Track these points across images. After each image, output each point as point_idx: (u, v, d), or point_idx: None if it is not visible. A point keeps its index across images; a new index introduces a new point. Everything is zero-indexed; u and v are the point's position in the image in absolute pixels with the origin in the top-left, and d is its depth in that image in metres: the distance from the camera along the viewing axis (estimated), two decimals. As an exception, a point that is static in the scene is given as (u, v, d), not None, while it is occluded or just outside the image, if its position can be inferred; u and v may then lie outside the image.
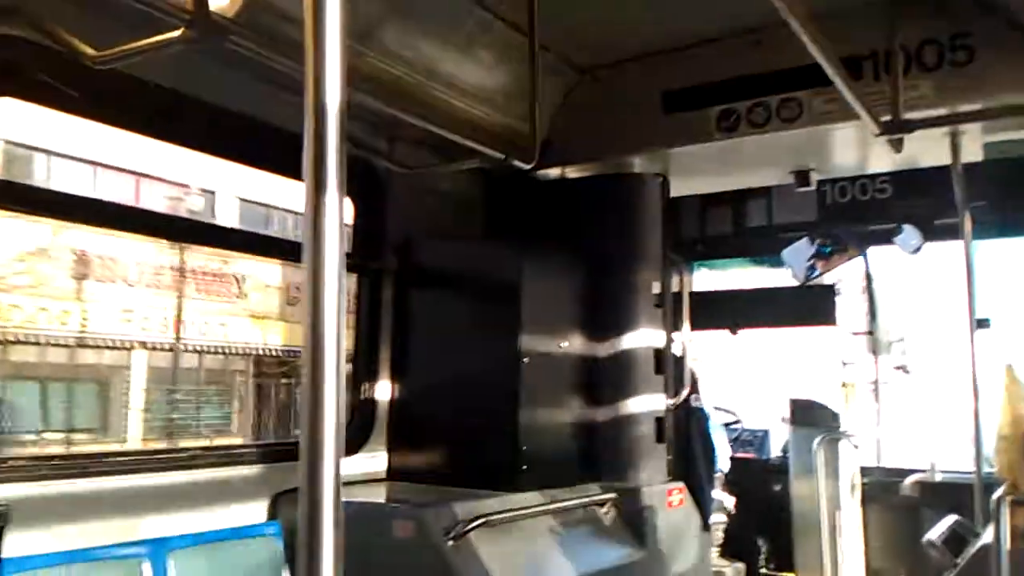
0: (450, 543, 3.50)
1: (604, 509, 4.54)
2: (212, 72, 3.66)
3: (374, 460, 4.62)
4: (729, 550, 6.45)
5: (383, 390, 4.69)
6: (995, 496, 3.48)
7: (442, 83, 4.33)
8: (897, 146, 3.97)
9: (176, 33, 2.68)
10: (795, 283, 6.38)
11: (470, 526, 3.57)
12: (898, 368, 7.36)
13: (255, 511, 3.87)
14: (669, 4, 4.22)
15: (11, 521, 2.68)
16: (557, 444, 4.66)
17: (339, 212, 1.32)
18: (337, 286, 1.29)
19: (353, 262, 4.62)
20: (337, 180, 1.32)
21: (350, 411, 4.60)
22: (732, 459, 6.64)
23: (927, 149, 4.44)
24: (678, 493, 4.98)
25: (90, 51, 2.96)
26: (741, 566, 6.36)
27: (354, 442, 4.55)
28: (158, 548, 3.29)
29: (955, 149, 4.33)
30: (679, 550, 4.83)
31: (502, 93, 4.63)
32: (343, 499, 1.27)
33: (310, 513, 1.23)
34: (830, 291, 6.72)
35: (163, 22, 2.70)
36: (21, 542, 2.87)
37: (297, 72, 1.35)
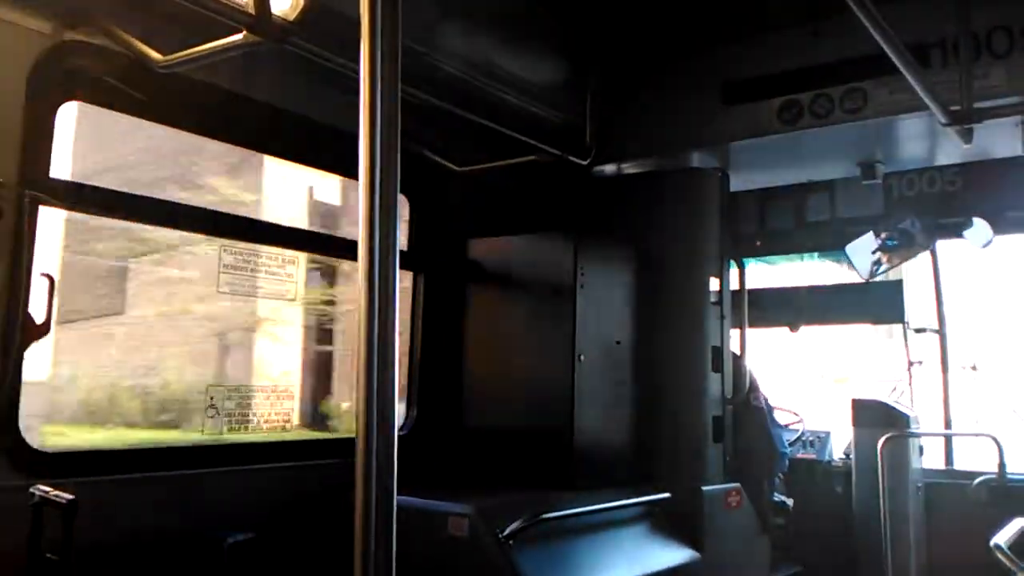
0: (504, 542, 3.49)
1: (659, 510, 4.49)
2: (272, 74, 3.72)
3: (429, 457, 4.64)
4: (789, 552, 6.32)
5: (439, 388, 4.71)
6: None
7: (497, 79, 4.33)
8: (967, 137, 3.84)
9: (238, 37, 2.73)
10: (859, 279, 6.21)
11: (524, 525, 3.56)
12: (967, 367, 7.11)
13: (315, 505, 3.92)
14: None
15: (77, 514, 2.75)
16: (612, 443, 4.62)
17: (393, 210, 1.32)
18: (391, 283, 1.29)
19: (410, 259, 4.65)
20: (391, 178, 1.32)
21: (406, 408, 4.64)
22: (792, 460, 6.50)
23: (998, 140, 4.29)
24: (735, 494, 4.90)
25: (156, 55, 3.04)
26: (801, 568, 6.23)
27: (410, 439, 4.59)
28: (220, 541, 3.35)
29: None
30: (737, 552, 4.76)
31: (558, 88, 4.61)
32: (399, 497, 1.27)
33: (363, 509, 1.23)
34: (897, 287, 6.53)
35: (225, 26, 2.75)
36: (90, 535, 2.96)
37: (354, 73, 1.35)
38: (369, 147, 1.33)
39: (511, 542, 3.50)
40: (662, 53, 4.86)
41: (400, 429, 4.62)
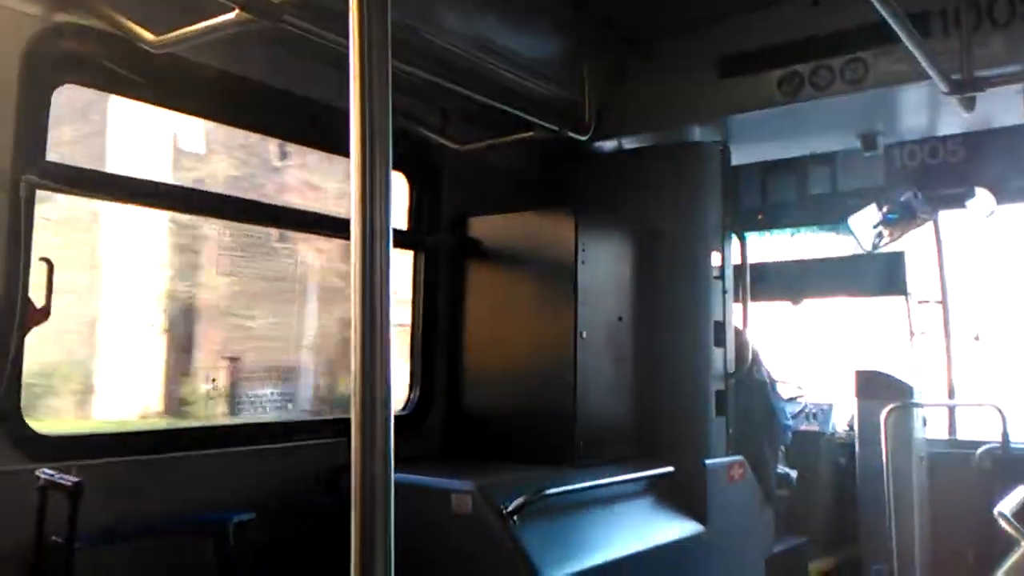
0: (507, 518, 3.51)
1: (663, 484, 4.51)
2: (265, 53, 3.69)
3: (431, 436, 4.66)
4: (792, 524, 6.36)
5: (440, 367, 4.72)
6: None
7: (495, 56, 4.29)
8: (968, 105, 3.80)
9: (231, 15, 2.71)
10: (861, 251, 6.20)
11: (528, 501, 3.57)
12: (970, 338, 7.10)
13: (315, 485, 3.94)
14: None
15: (83, 496, 2.76)
16: (615, 419, 4.63)
17: (386, 187, 1.31)
18: (385, 261, 1.28)
19: (409, 238, 4.64)
20: (383, 156, 1.30)
21: (407, 387, 4.65)
22: (796, 433, 6.52)
23: (999, 109, 4.25)
24: (738, 467, 4.91)
25: (149, 36, 3.01)
26: (804, 540, 6.27)
27: (411, 418, 4.60)
28: (222, 521, 3.37)
29: None
30: (741, 525, 4.78)
31: (556, 64, 4.56)
32: (401, 475, 1.27)
33: (361, 488, 1.23)
34: (900, 259, 6.50)
35: (218, 5, 2.73)
36: (94, 516, 2.98)
37: (347, 50, 1.33)
38: (360, 125, 1.31)
39: (515, 518, 3.52)
40: (661, 26, 4.81)
41: (403, 409, 4.63)
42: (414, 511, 3.38)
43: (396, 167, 1.22)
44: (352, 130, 1.30)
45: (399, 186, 4.70)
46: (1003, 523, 3.80)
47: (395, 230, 1.29)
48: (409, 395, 4.65)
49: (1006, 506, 3.88)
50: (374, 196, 1.29)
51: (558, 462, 4.20)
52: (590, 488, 4.02)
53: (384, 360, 1.25)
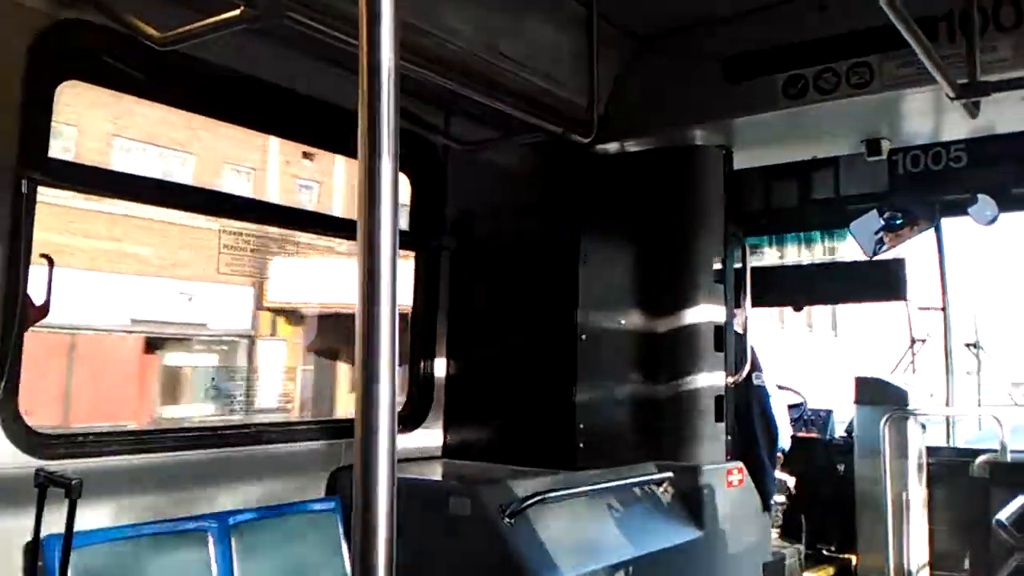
0: (506, 520, 3.50)
1: (661, 488, 4.49)
2: (270, 52, 3.68)
3: (431, 437, 4.65)
4: (789, 531, 6.34)
5: (440, 367, 4.71)
6: None
7: (499, 56, 4.29)
8: (973, 111, 3.80)
9: (236, 12, 2.69)
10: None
11: (526, 504, 3.56)
12: (969, 345, 7.10)
13: (315, 486, 3.93)
14: None
15: (81, 495, 2.76)
16: (614, 422, 4.62)
17: (393, 187, 1.30)
18: (391, 262, 1.27)
19: (410, 239, 4.63)
20: (390, 154, 1.29)
21: (407, 388, 4.63)
22: (795, 439, 6.51)
23: (1004, 114, 4.25)
24: (737, 473, 4.90)
25: (154, 33, 3.00)
26: (801, 547, 6.26)
27: (411, 419, 4.59)
28: (221, 521, 3.36)
29: None
30: (738, 530, 4.76)
31: (560, 66, 4.56)
32: (400, 476, 1.26)
33: (364, 489, 1.22)
34: (900, 265, 6.50)
35: (223, 3, 2.72)
36: (91, 515, 2.96)
37: (353, 48, 1.32)
38: (368, 126, 1.30)
39: (512, 520, 3.51)
40: (665, 28, 4.80)
41: (402, 409, 4.62)
42: (412, 512, 3.37)
43: (399, 167, 1.22)
44: (360, 130, 1.29)
45: (402, 186, 4.69)
46: (1001, 532, 3.80)
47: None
48: (409, 395, 4.64)
49: (1004, 515, 3.88)
50: (381, 197, 1.27)
51: (557, 465, 4.18)
52: (588, 491, 4.01)
53: (389, 362, 1.24)
